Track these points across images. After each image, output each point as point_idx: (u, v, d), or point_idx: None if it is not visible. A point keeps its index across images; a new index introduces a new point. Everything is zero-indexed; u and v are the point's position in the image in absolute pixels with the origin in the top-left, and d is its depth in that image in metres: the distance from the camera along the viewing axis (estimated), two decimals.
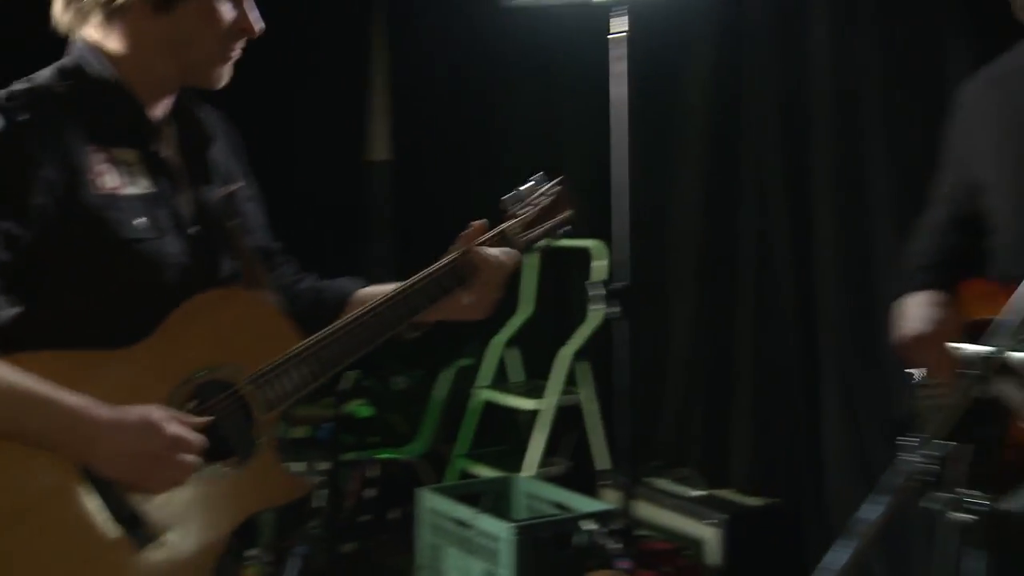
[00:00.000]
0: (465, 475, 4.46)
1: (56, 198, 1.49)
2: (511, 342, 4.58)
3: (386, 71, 5.01)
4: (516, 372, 4.68)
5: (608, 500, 3.70)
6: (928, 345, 1.69)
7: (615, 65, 2.55)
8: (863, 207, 3.24)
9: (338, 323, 1.66)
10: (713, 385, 3.96)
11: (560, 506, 3.74)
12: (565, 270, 4.37)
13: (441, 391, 4.50)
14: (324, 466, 3.93)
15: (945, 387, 1.32)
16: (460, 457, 4.53)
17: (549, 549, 3.45)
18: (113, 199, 1.54)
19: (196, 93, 1.70)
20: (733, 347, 3.85)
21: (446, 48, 4.83)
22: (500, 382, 4.61)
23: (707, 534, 3.53)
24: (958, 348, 1.21)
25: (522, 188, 1.84)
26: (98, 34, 1.60)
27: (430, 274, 1.72)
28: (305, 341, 1.63)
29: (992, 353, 1.09)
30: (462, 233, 1.78)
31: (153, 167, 1.61)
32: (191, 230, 1.62)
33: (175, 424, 1.49)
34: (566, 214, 1.83)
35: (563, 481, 4.18)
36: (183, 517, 1.53)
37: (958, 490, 1.16)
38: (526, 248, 1.81)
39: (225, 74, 1.64)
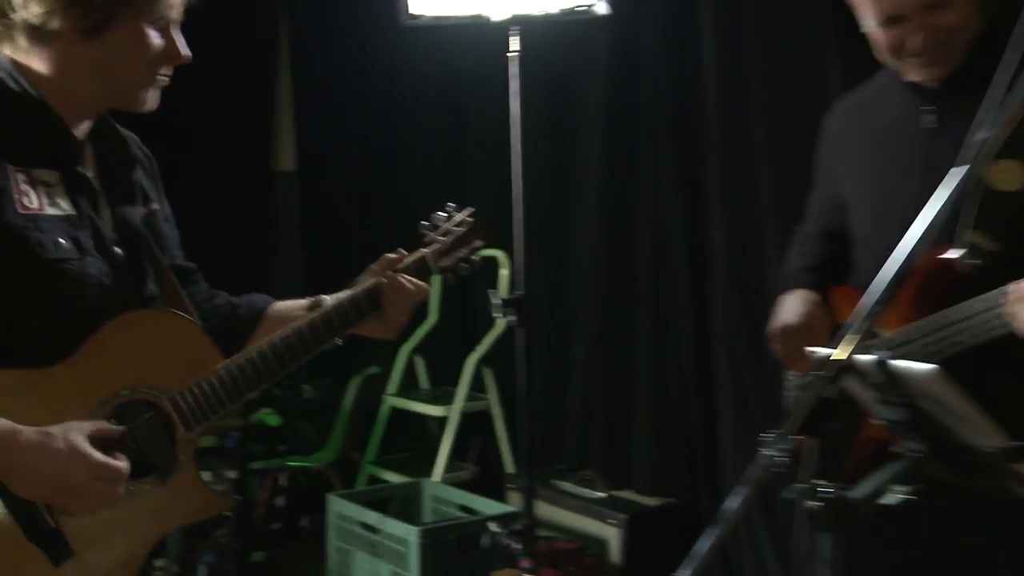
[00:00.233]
0: (374, 481, 4.49)
1: None
2: (418, 350, 4.64)
3: (290, 83, 5.04)
4: (424, 379, 4.74)
5: (514, 503, 3.78)
6: (795, 339, 1.82)
7: (512, 82, 2.65)
8: (753, 218, 3.35)
9: (260, 344, 1.68)
10: (614, 391, 4.04)
11: (466, 509, 3.82)
12: (471, 279, 4.44)
13: (349, 399, 4.53)
14: (232, 475, 3.93)
15: (804, 384, 1.43)
16: (369, 464, 4.57)
17: (455, 551, 3.53)
18: (35, 220, 1.54)
19: (113, 112, 1.70)
20: (633, 354, 3.93)
21: (349, 62, 4.87)
22: (408, 389, 4.66)
23: (609, 534, 3.64)
24: (813, 351, 1.33)
25: (438, 215, 1.92)
26: (21, 54, 1.59)
27: (349, 298, 1.77)
28: (227, 361, 1.65)
29: (834, 355, 1.20)
30: (382, 258, 1.85)
31: (74, 188, 1.61)
32: (113, 251, 1.63)
33: (101, 454, 1.48)
34: (478, 243, 1.92)
35: (472, 485, 4.26)
36: (102, 534, 1.54)
37: (813, 481, 1.27)
38: (441, 275, 1.89)
39: (152, 98, 1.65)
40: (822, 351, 1.23)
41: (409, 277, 1.81)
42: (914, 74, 1.77)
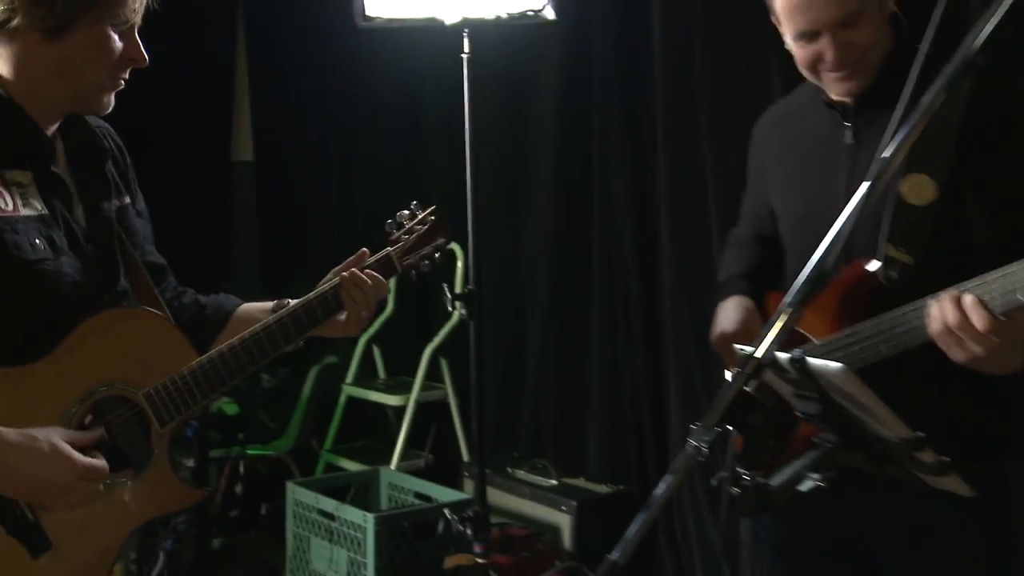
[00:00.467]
0: (332, 469, 4.55)
1: None
2: (375, 340, 4.70)
3: (247, 78, 5.07)
4: (381, 369, 4.80)
5: (469, 490, 3.85)
6: (730, 342, 1.91)
7: (466, 82, 2.72)
8: (700, 218, 3.42)
9: (231, 341, 1.72)
10: (567, 382, 4.13)
11: (422, 497, 3.90)
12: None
13: (308, 388, 4.58)
14: (191, 464, 3.98)
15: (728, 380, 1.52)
16: (327, 452, 4.64)
17: (410, 537, 3.61)
18: (11, 222, 1.56)
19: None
20: (585, 347, 4.02)
21: (306, 57, 4.92)
22: (365, 379, 4.72)
23: (561, 520, 3.73)
24: (739, 348, 1.42)
25: (402, 213, 1.96)
26: None
27: (315, 297, 1.81)
28: (200, 359, 1.69)
29: (752, 354, 1.30)
30: (347, 260, 1.88)
31: (46, 188, 1.63)
32: (86, 248, 1.65)
33: (82, 456, 1.52)
34: (440, 241, 1.96)
35: (428, 473, 4.34)
36: (80, 526, 1.58)
37: (737, 469, 1.37)
38: (406, 272, 1.93)
39: (111, 101, 1.66)
40: (745, 349, 1.32)
41: (370, 272, 1.85)
42: (829, 88, 1.84)
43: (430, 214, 1.97)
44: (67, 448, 1.52)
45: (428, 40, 3.61)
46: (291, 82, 4.97)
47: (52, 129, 1.66)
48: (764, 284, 2.05)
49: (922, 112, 1.33)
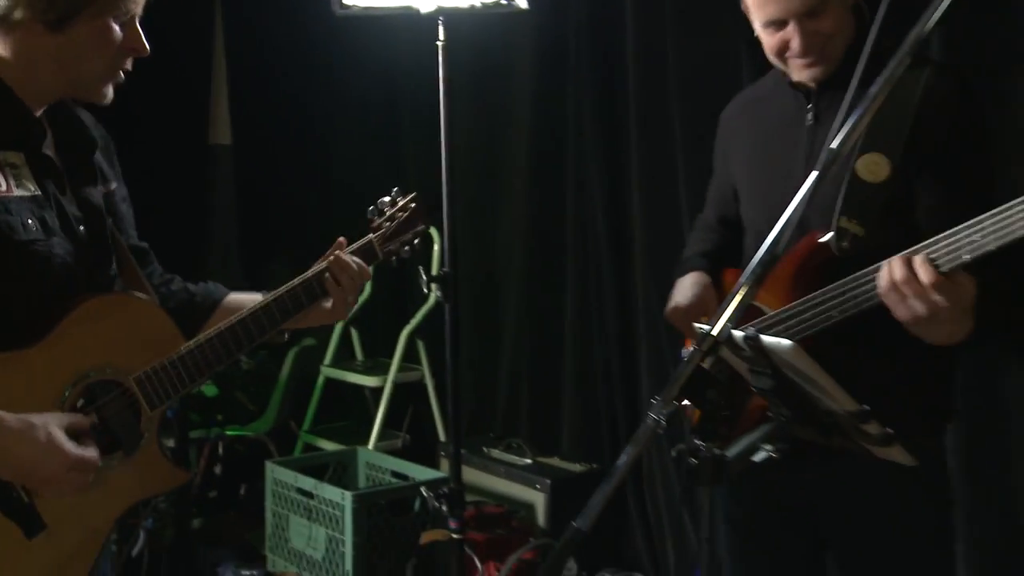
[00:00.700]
0: (310, 449, 4.61)
1: None
2: (353, 322, 4.75)
3: (225, 62, 5.09)
4: (359, 351, 4.86)
5: (445, 469, 3.91)
6: (687, 318, 1.99)
7: (440, 70, 2.77)
8: (671, 202, 3.50)
9: (219, 326, 1.76)
10: (541, 364, 4.21)
11: (399, 475, 3.97)
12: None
13: (286, 369, 4.63)
14: (171, 444, 4.02)
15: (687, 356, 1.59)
16: (305, 432, 4.70)
17: (387, 515, 3.69)
18: (5, 202, 1.57)
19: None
20: (559, 329, 4.09)
21: (284, 42, 4.93)
22: (343, 360, 4.78)
23: (535, 498, 3.82)
24: (696, 326, 1.49)
25: (383, 200, 2.00)
26: None
27: (299, 283, 1.85)
28: (188, 344, 1.73)
29: (708, 331, 1.37)
30: (328, 251, 1.91)
31: (39, 169, 1.64)
32: (77, 230, 1.67)
33: (75, 447, 1.56)
34: (420, 228, 2.00)
35: (405, 453, 4.41)
36: (73, 508, 1.62)
37: (696, 441, 1.45)
38: (386, 258, 1.97)
39: (110, 92, 1.68)
40: (703, 327, 1.40)
41: (354, 257, 1.89)
42: (796, 74, 1.93)
43: (410, 201, 2.00)
44: (62, 438, 1.55)
45: (404, 27, 3.65)
46: (269, 67, 5.00)
47: (39, 112, 1.67)
48: (723, 263, 2.14)
49: (870, 101, 1.41)
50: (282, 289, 1.84)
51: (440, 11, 2.75)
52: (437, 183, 3.03)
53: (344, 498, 3.62)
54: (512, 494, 3.88)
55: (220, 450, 4.51)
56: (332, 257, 1.87)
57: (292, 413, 4.72)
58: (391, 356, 4.47)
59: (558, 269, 4.10)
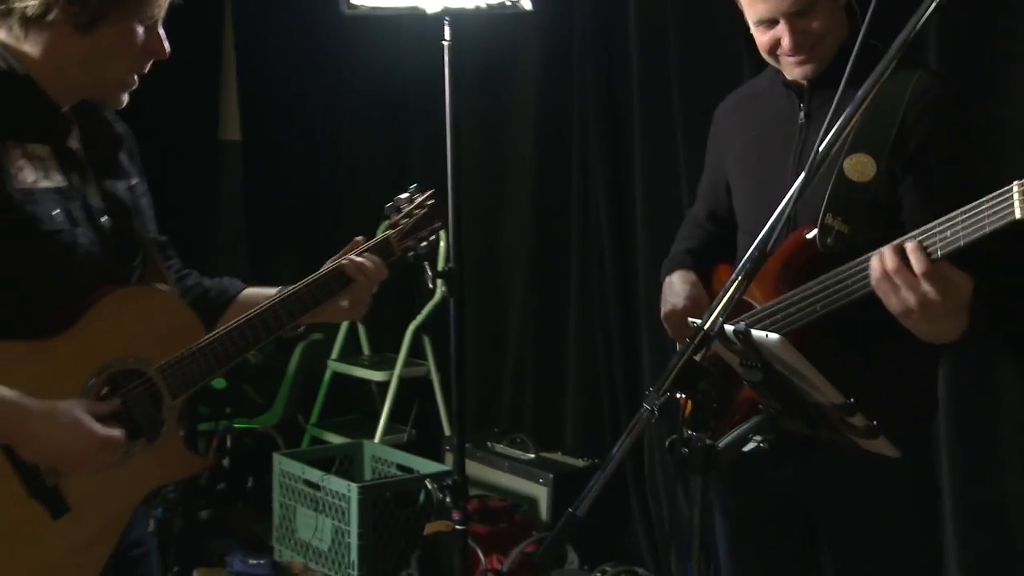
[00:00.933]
0: (317, 443, 4.66)
1: None
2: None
3: (235, 60, 5.13)
4: (366, 346, 4.90)
5: (450, 463, 3.96)
6: (679, 319, 2.04)
7: (446, 69, 2.82)
8: (672, 198, 3.54)
9: (238, 319, 1.80)
10: (546, 360, 4.26)
11: (404, 468, 4.03)
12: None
13: (294, 364, 4.66)
14: (181, 433, 4.05)
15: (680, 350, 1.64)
16: (312, 426, 4.75)
17: (392, 506, 3.75)
18: (32, 193, 1.60)
19: None
20: (563, 325, 4.14)
21: (293, 42, 4.99)
22: (350, 355, 4.83)
23: (538, 492, 3.86)
24: (692, 321, 1.54)
25: (400, 197, 2.03)
26: (12, 39, 1.63)
27: (316, 279, 1.89)
28: (208, 336, 1.77)
29: (701, 324, 1.42)
30: (344, 248, 1.95)
31: (64, 161, 1.68)
32: (100, 222, 1.70)
33: (101, 427, 1.60)
34: (438, 224, 2.02)
35: (411, 447, 4.46)
36: (97, 491, 1.66)
37: (688, 432, 1.50)
38: (403, 254, 2.00)
39: (126, 99, 1.72)
40: (696, 321, 1.45)
41: (371, 256, 1.92)
42: (787, 72, 1.97)
43: (428, 198, 2.02)
44: (88, 420, 1.60)
45: (410, 27, 3.70)
46: (278, 65, 5.05)
47: (66, 108, 1.71)
48: (710, 260, 2.18)
49: (858, 104, 1.46)
50: (300, 284, 1.88)
51: (446, 11, 2.80)
52: (443, 180, 3.08)
53: (350, 490, 3.68)
54: (515, 488, 3.93)
55: (228, 442, 4.57)
56: (348, 259, 1.91)
57: (300, 407, 4.77)
58: (397, 351, 4.51)
59: (562, 266, 4.14)
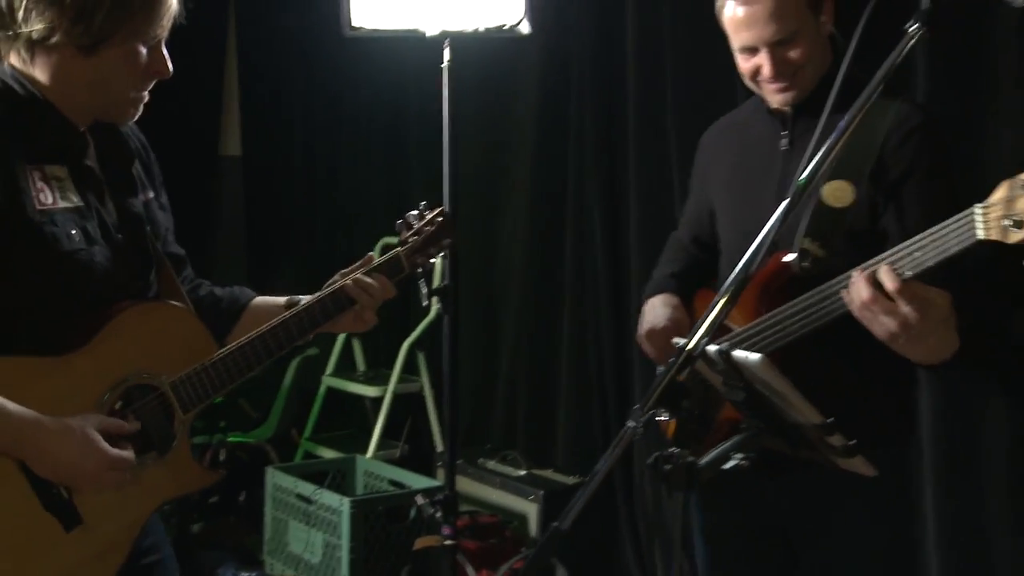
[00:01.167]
0: (311, 457, 4.68)
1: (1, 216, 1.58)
2: (355, 332, 4.83)
3: (237, 79, 5.19)
4: (360, 361, 4.94)
5: (442, 479, 4.01)
6: (660, 339, 2.08)
7: (444, 90, 2.87)
8: (665, 219, 3.58)
9: (248, 336, 1.84)
10: (538, 378, 4.28)
11: (396, 483, 4.05)
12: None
13: (288, 378, 4.71)
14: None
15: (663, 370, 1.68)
16: (306, 440, 4.77)
17: (384, 521, 3.77)
18: (51, 215, 1.64)
19: None
20: (556, 344, 4.16)
21: (295, 62, 5.06)
22: (345, 370, 4.85)
23: (528, 508, 3.88)
24: (676, 341, 1.58)
25: (411, 214, 2.05)
26: (20, 63, 1.67)
27: (327, 294, 1.92)
28: (220, 351, 1.81)
29: (685, 345, 1.47)
30: (355, 264, 1.98)
31: (81, 180, 1.71)
32: (116, 239, 1.74)
33: (111, 448, 1.64)
34: (447, 241, 2.05)
35: (404, 463, 4.48)
36: (108, 504, 1.69)
37: (671, 449, 1.53)
38: (412, 270, 2.03)
39: (135, 113, 1.76)
40: (680, 341, 1.49)
41: (376, 275, 1.95)
42: (768, 98, 2.02)
43: (438, 215, 2.05)
44: (98, 439, 1.63)
45: (410, 49, 3.74)
46: (280, 83, 5.11)
47: (83, 128, 1.76)
48: (693, 284, 2.21)
49: (839, 133, 1.51)
50: (311, 299, 1.92)
51: (445, 34, 2.85)
52: (440, 199, 3.13)
53: (342, 504, 3.70)
54: (506, 504, 3.94)
55: (222, 456, 4.57)
56: (351, 280, 1.94)
57: (294, 421, 4.80)
58: (392, 367, 4.53)
59: (556, 285, 4.17)
